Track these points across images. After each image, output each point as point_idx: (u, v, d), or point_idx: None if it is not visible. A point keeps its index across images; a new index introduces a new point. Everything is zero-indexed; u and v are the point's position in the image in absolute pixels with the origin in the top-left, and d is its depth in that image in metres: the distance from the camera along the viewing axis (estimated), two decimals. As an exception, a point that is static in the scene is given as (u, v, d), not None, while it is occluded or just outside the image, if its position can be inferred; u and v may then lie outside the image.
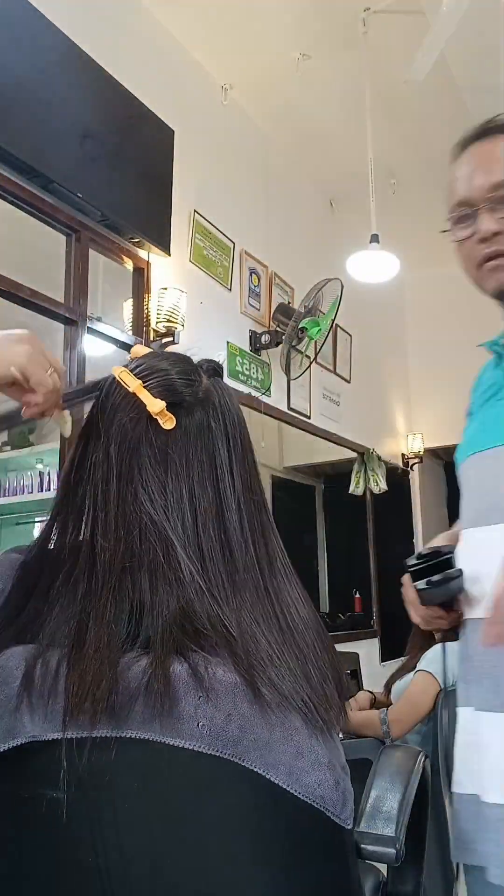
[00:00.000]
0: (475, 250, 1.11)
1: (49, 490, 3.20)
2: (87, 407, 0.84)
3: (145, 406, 0.65)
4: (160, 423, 0.65)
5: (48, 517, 0.67)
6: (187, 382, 0.68)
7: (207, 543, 0.61)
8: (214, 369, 0.73)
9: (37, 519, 3.69)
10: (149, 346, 2.96)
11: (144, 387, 0.66)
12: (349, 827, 0.53)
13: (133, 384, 0.66)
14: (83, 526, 0.64)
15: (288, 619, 0.59)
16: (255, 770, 0.51)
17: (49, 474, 3.37)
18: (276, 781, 0.51)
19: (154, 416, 0.65)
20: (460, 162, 1.13)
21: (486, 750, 0.92)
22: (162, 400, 0.65)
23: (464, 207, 1.11)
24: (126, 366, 0.70)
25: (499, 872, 0.88)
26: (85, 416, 0.71)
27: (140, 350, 0.74)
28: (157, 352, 0.73)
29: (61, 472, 2.69)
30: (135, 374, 0.68)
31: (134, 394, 0.66)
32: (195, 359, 0.74)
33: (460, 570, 1.02)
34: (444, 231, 1.18)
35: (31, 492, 3.43)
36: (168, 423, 0.65)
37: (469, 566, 1.02)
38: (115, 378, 0.69)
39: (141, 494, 0.62)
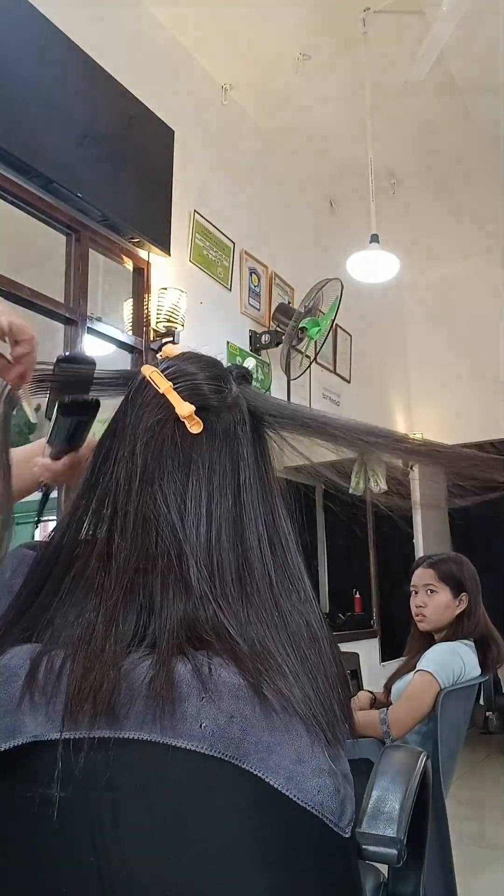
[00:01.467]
0: None
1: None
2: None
3: (174, 408, 0.64)
4: (187, 426, 0.64)
5: (67, 512, 0.66)
6: (217, 388, 0.67)
7: (221, 552, 0.61)
8: (244, 376, 0.72)
9: (38, 519, 3.69)
10: (149, 347, 2.96)
11: (174, 389, 0.65)
12: (347, 835, 0.53)
13: (163, 385, 0.65)
14: (101, 523, 0.63)
15: (299, 633, 0.59)
16: (255, 773, 0.51)
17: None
18: (276, 785, 0.51)
19: (182, 420, 0.64)
20: None
21: None
22: (191, 404, 0.65)
23: None
24: (157, 366, 0.69)
25: None
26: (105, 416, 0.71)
27: (171, 350, 0.73)
28: (189, 353, 0.72)
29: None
30: (165, 375, 0.67)
31: (163, 395, 0.65)
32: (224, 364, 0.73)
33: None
34: None
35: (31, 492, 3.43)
36: (195, 427, 0.64)
37: None
38: (144, 377, 0.68)
39: (161, 497, 0.62)
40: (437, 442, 0.74)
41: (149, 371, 0.67)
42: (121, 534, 0.61)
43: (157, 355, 0.74)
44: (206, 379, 0.68)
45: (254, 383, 0.75)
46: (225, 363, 0.73)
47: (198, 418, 0.64)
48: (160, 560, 0.60)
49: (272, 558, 0.62)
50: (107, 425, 0.68)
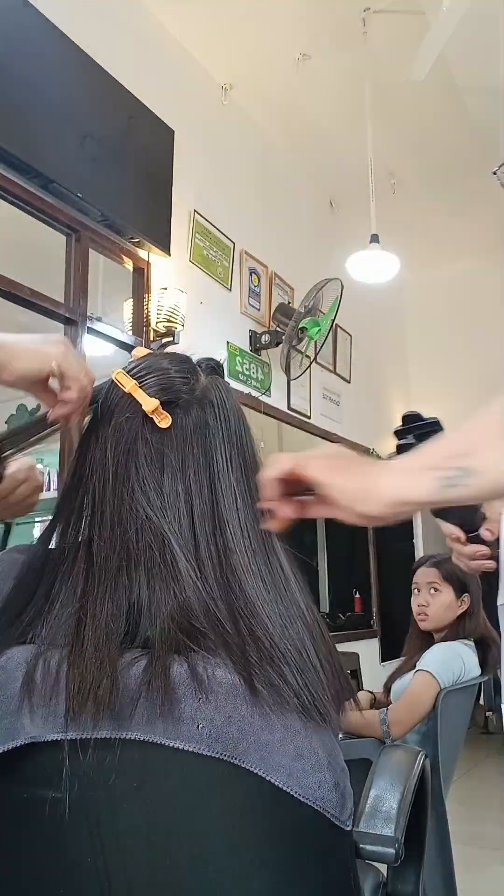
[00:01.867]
0: None
1: (49, 490, 3.20)
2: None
3: (141, 405, 0.65)
4: (156, 421, 0.65)
5: (50, 518, 0.67)
6: (184, 381, 0.68)
7: (204, 542, 0.62)
8: (213, 367, 0.73)
9: (37, 519, 3.69)
10: (149, 347, 2.96)
11: (140, 386, 0.67)
12: (348, 828, 0.53)
13: (128, 384, 0.67)
14: (82, 526, 0.64)
15: (287, 615, 0.59)
16: (255, 772, 0.51)
17: (49, 474, 3.37)
18: (276, 783, 0.51)
19: (149, 415, 0.65)
20: None
21: None
22: (157, 398, 0.66)
23: None
24: (124, 367, 0.70)
25: None
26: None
27: (140, 352, 0.74)
28: (157, 352, 0.73)
29: (61, 472, 2.69)
30: (131, 375, 0.68)
31: (129, 394, 0.66)
32: (195, 358, 0.74)
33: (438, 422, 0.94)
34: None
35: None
36: (164, 421, 0.65)
37: None
38: (112, 381, 0.69)
39: (137, 493, 0.63)
40: None
41: (115, 373, 0.69)
42: (99, 534, 0.62)
43: (129, 357, 0.76)
44: (175, 373, 0.69)
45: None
46: (225, 363, 0.74)
47: (165, 412, 0.65)
48: (143, 556, 0.60)
49: (255, 544, 0.63)
50: (83, 431, 0.70)
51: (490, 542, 1.03)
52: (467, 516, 1.01)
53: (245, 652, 0.54)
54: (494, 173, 1.52)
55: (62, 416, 0.70)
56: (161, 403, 0.66)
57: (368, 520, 0.61)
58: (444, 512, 1.02)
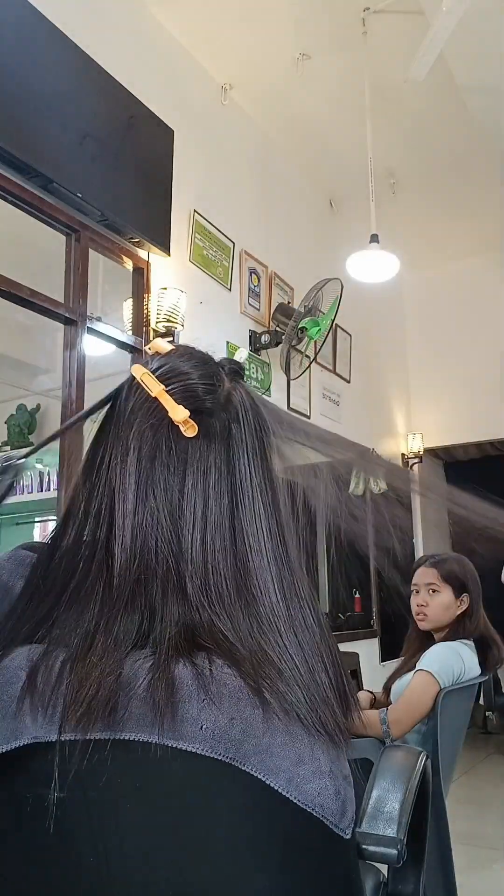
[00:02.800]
0: None
1: (49, 490, 3.20)
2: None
3: (167, 412, 0.62)
4: (181, 430, 0.62)
5: (60, 517, 0.65)
6: (209, 388, 0.65)
7: (217, 557, 0.60)
8: (236, 371, 0.70)
9: (37, 519, 3.70)
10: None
11: (167, 391, 0.63)
12: (348, 837, 0.53)
13: (155, 389, 0.63)
14: (98, 528, 0.62)
15: (300, 636, 0.58)
16: (256, 775, 0.51)
17: (49, 474, 3.37)
18: (276, 787, 0.51)
19: (176, 423, 0.62)
20: None
21: None
22: (184, 406, 0.62)
23: None
24: (146, 364, 0.66)
25: None
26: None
27: (160, 346, 0.69)
28: (180, 349, 0.69)
29: (62, 472, 2.69)
30: (157, 376, 0.64)
31: (156, 398, 0.63)
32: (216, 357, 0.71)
33: None
34: None
35: (31, 492, 3.44)
36: (190, 430, 0.62)
37: None
38: (135, 379, 0.65)
39: (157, 504, 0.61)
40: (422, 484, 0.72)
41: (139, 372, 0.65)
42: (120, 545, 0.60)
43: (146, 348, 0.72)
44: (199, 379, 0.65)
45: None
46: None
47: (192, 422, 0.62)
48: (160, 569, 0.59)
49: (271, 560, 0.61)
50: (97, 427, 0.67)
51: None
52: None
53: (254, 666, 0.54)
54: None
55: None
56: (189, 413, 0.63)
57: None
58: None
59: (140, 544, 0.60)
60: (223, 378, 0.67)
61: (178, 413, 0.62)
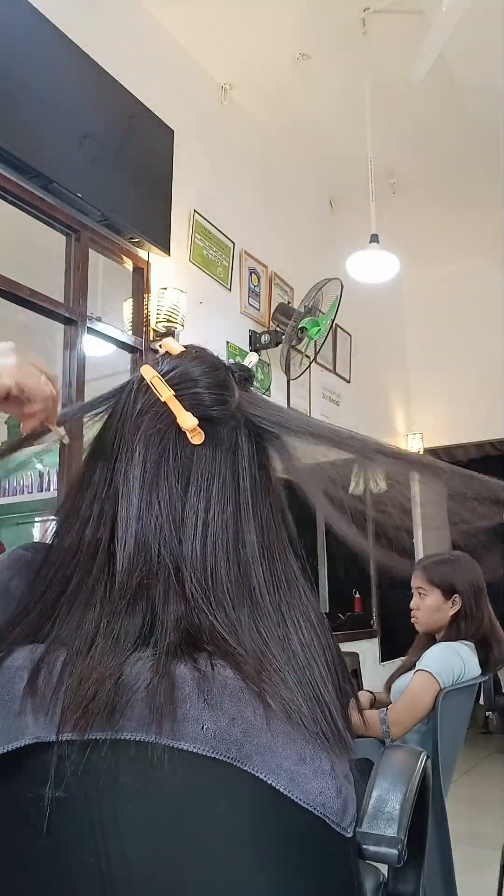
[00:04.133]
0: None
1: (49, 490, 3.20)
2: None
3: (175, 417, 0.62)
4: (189, 437, 0.62)
5: (62, 517, 0.64)
6: (219, 398, 0.64)
7: (218, 564, 0.59)
8: (246, 378, 0.69)
9: (36, 519, 3.69)
10: (148, 348, 2.96)
11: (176, 397, 0.62)
12: (350, 835, 0.53)
13: (165, 394, 0.62)
14: (100, 529, 0.62)
15: (300, 644, 0.58)
16: (257, 775, 0.51)
17: (49, 474, 3.37)
18: (277, 787, 0.51)
19: (183, 430, 0.62)
20: None
21: None
22: (192, 414, 0.62)
23: None
24: (155, 365, 0.66)
25: None
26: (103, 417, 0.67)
27: (172, 346, 0.68)
28: (191, 351, 0.68)
29: (62, 472, 2.69)
30: (166, 380, 0.63)
31: (164, 403, 0.62)
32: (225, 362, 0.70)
33: None
34: None
35: (31, 492, 3.43)
36: (197, 438, 0.62)
37: None
38: (143, 380, 0.64)
39: (161, 509, 0.60)
40: (437, 461, 0.72)
41: (150, 375, 0.64)
42: (123, 548, 0.60)
43: (158, 346, 0.71)
44: (207, 387, 0.64)
45: (254, 382, 0.73)
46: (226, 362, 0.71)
47: (199, 429, 0.62)
48: (162, 573, 0.59)
49: (271, 568, 0.61)
50: (102, 424, 0.66)
51: None
52: None
53: (257, 671, 0.54)
54: None
55: (35, 429, 0.68)
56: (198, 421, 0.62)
57: None
58: None
59: (142, 549, 0.59)
60: (233, 386, 0.67)
61: (187, 421, 0.61)
